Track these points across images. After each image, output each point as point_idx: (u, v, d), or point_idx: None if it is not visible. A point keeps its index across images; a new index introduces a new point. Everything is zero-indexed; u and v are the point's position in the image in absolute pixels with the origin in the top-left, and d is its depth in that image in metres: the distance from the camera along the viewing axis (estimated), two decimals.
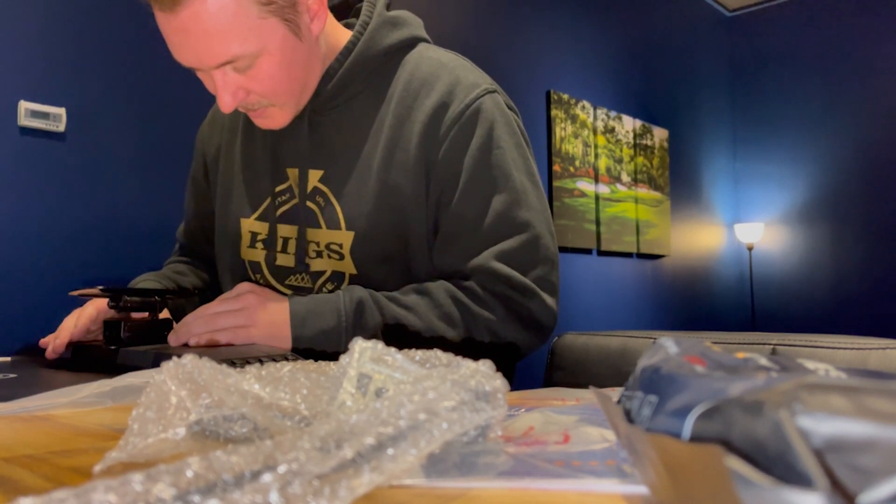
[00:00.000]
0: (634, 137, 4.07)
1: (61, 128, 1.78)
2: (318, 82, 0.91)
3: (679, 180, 4.47)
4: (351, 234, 0.90)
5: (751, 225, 4.80)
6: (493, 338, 0.87)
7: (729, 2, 4.98)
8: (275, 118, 0.89)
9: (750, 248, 4.84)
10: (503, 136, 0.91)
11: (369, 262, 0.90)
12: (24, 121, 1.72)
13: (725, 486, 0.19)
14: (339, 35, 0.93)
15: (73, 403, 0.53)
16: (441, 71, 0.92)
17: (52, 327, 0.96)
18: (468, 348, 0.86)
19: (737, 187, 5.06)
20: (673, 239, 4.34)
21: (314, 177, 0.93)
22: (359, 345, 0.39)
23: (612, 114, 3.92)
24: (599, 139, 3.81)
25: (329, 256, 0.92)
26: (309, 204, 0.93)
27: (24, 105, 1.72)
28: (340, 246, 0.91)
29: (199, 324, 0.81)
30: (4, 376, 0.75)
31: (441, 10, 2.91)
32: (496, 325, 0.86)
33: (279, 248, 0.95)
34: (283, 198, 0.95)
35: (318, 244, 0.92)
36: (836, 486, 0.19)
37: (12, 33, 1.72)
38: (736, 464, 0.20)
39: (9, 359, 0.97)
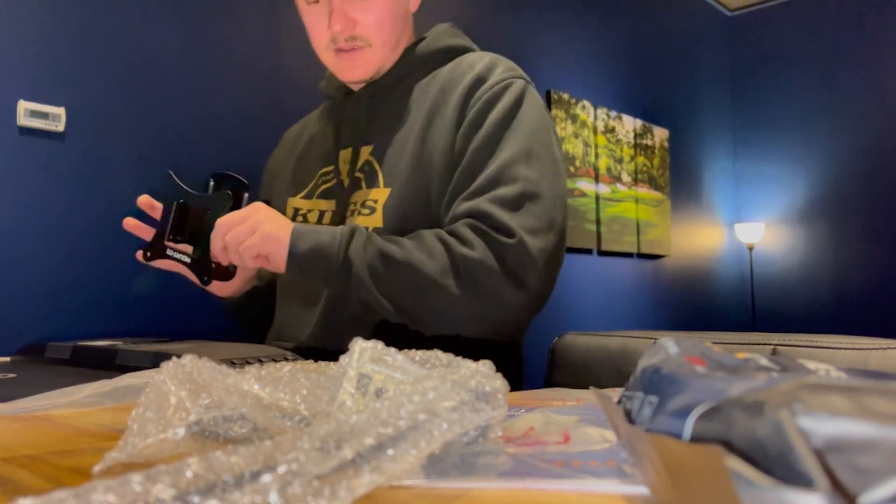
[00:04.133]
0: (635, 137, 4.07)
1: (60, 127, 1.78)
2: (397, 57, 1.03)
3: (679, 180, 4.47)
4: (388, 191, 0.96)
5: (751, 225, 4.80)
6: (475, 281, 0.85)
7: (729, 2, 4.98)
8: (366, 61, 1.00)
9: (750, 248, 4.84)
10: (528, 115, 0.94)
11: (394, 219, 0.93)
12: (24, 120, 1.71)
13: (726, 487, 0.19)
14: (412, 35, 1.07)
15: (73, 403, 0.53)
16: (486, 57, 1.01)
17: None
18: (462, 302, 0.85)
19: (737, 187, 5.05)
20: (673, 239, 4.34)
21: (365, 152, 1.01)
22: (359, 345, 0.39)
23: (613, 113, 3.91)
24: (600, 139, 3.81)
25: (360, 214, 0.96)
26: (357, 174, 1.00)
27: (24, 105, 1.72)
28: (375, 201, 0.96)
29: (216, 240, 0.86)
30: (4, 376, 0.75)
31: (441, 10, 2.91)
32: (475, 266, 0.84)
33: (318, 220, 1.02)
34: (327, 178, 1.04)
35: (355, 203, 0.98)
36: (837, 486, 0.19)
37: (12, 33, 1.72)
38: (736, 464, 0.20)
39: (9, 359, 0.97)
